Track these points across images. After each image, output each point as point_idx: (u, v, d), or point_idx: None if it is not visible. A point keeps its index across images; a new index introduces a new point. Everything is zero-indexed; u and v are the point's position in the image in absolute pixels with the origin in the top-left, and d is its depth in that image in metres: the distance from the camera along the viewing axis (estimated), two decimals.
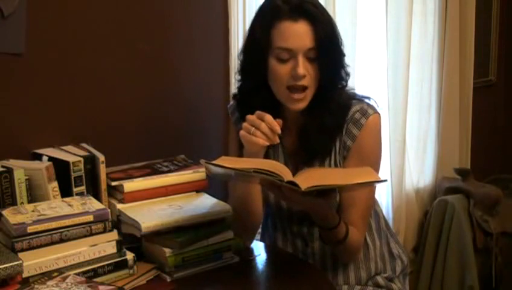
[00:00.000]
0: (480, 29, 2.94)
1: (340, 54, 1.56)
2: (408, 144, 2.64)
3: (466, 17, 2.75)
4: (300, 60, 1.48)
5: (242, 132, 1.48)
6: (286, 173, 1.35)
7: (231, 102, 1.72)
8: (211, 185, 1.70)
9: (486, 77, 3.15)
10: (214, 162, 1.36)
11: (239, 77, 1.62)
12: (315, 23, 1.48)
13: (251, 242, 1.66)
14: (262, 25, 1.52)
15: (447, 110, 2.78)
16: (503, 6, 3.14)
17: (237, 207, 1.57)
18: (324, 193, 1.38)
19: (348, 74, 1.59)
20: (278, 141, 1.46)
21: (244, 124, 1.48)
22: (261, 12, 1.56)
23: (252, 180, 1.53)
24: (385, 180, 1.43)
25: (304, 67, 1.48)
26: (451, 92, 2.78)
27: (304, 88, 1.50)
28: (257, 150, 1.48)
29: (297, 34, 1.48)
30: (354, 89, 1.65)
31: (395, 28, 2.50)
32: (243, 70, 1.60)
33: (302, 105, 1.52)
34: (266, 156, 1.64)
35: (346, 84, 1.61)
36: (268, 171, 1.32)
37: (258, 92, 1.56)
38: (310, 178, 1.35)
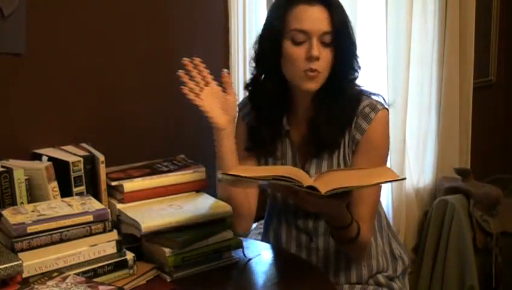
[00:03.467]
0: (480, 29, 2.94)
1: (353, 43, 1.57)
2: (408, 144, 2.64)
3: (466, 17, 2.76)
4: (315, 42, 1.49)
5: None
6: (304, 178, 1.35)
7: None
8: (211, 185, 1.70)
9: (486, 77, 3.15)
10: (231, 172, 1.36)
11: (253, 65, 1.62)
12: (331, 9, 1.50)
13: (243, 229, 1.65)
14: (278, 11, 1.54)
15: (447, 110, 2.79)
16: (503, 7, 3.15)
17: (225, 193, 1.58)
18: (340, 194, 1.37)
19: (359, 67, 1.60)
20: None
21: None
22: (277, 0, 1.58)
23: (269, 186, 1.55)
24: (404, 178, 1.43)
25: (318, 50, 1.49)
26: (451, 92, 2.78)
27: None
28: (214, 120, 1.53)
29: (313, 17, 1.49)
30: (362, 86, 1.65)
31: (395, 28, 2.50)
32: (257, 57, 1.60)
33: (315, 85, 1.52)
34: (273, 149, 1.64)
35: (358, 76, 1.61)
36: (287, 177, 1.32)
37: (270, 79, 1.57)
38: (328, 181, 1.34)
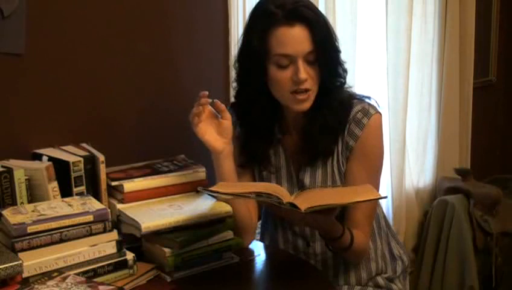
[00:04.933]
0: (480, 29, 2.94)
1: (337, 52, 1.56)
2: (408, 144, 2.64)
3: (466, 17, 2.75)
4: (301, 64, 1.47)
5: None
6: (284, 195, 1.36)
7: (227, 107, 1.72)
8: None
9: (486, 77, 3.15)
10: (211, 188, 1.38)
11: (235, 85, 1.61)
12: (311, 26, 1.47)
13: (249, 242, 1.66)
14: (258, 33, 1.50)
15: (447, 110, 2.79)
16: (503, 7, 3.15)
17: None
18: (324, 210, 1.37)
19: (345, 70, 1.59)
20: (200, 109, 1.53)
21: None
22: (254, 18, 1.54)
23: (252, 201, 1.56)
24: (385, 197, 1.44)
25: (304, 71, 1.48)
26: (451, 92, 2.78)
27: (306, 90, 1.50)
28: (210, 144, 1.54)
29: (295, 39, 1.47)
30: (352, 87, 1.65)
31: (395, 29, 2.50)
32: (240, 78, 1.59)
33: (306, 105, 1.52)
34: (267, 160, 1.64)
35: (345, 81, 1.60)
36: (267, 193, 1.33)
37: (257, 97, 1.56)
38: (309, 199, 1.35)
